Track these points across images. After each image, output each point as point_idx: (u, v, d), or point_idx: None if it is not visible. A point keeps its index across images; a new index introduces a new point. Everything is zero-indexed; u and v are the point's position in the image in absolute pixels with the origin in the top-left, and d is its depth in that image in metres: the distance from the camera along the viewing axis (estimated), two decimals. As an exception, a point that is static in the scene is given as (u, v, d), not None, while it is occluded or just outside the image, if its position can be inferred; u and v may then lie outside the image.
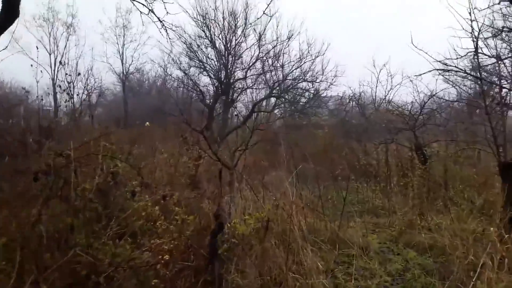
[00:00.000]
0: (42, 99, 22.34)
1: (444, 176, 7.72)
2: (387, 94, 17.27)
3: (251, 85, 17.92)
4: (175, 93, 22.46)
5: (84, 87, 25.46)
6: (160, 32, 5.84)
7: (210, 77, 17.40)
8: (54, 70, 25.14)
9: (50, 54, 24.89)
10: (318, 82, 16.82)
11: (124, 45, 25.58)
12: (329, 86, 16.79)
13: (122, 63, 25.77)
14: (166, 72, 19.57)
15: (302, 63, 16.72)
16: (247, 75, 17.51)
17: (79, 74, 20.90)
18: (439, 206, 6.77)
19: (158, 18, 5.48)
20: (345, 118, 18.95)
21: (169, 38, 6.32)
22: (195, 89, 17.56)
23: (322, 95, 17.45)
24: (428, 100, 9.48)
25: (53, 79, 25.22)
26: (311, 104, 17.66)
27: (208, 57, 17.16)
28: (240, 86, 18.08)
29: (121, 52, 25.64)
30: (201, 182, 8.26)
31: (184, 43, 16.74)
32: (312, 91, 17.06)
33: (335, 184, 8.92)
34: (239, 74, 17.77)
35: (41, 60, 25.27)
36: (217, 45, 17.32)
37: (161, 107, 20.49)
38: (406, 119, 9.60)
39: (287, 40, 17.00)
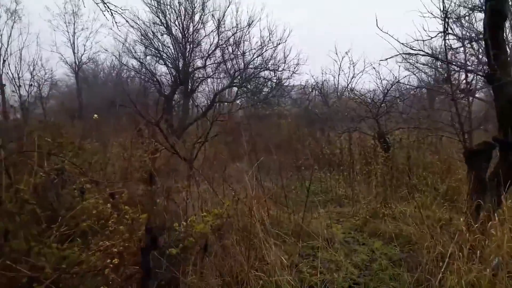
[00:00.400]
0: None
1: (407, 163, 7.69)
2: (350, 82, 17.29)
3: (211, 74, 17.39)
4: (131, 83, 21.54)
5: (32, 78, 23.94)
6: (104, 15, 5.25)
7: (167, 66, 16.69)
8: (-1, 61, 23.45)
9: (-8, 44, 23.13)
10: (280, 71, 16.57)
11: (75, 33, 24.15)
12: (291, 75, 16.58)
13: (74, 53, 24.37)
14: (120, 61, 18.61)
15: (264, 51, 16.37)
16: (207, 64, 16.98)
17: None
18: (402, 194, 6.70)
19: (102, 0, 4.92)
20: (308, 107, 18.85)
21: (116, 23, 5.74)
22: (151, 79, 16.80)
23: (284, 84, 17.21)
24: (391, 87, 9.43)
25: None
26: (274, 93, 17.37)
27: (164, 45, 16.43)
28: (199, 75, 17.50)
29: (72, 41, 24.22)
30: (158, 177, 7.78)
31: (138, 30, 15.92)
32: (274, 80, 16.78)
33: (298, 175, 8.72)
34: (198, 62, 17.20)
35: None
36: (173, 32, 16.64)
37: (117, 98, 19.54)
38: (369, 107, 9.51)
39: (247, 26, 16.57)
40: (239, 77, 16.78)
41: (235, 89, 18.78)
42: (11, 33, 23.35)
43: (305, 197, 6.51)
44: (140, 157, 7.53)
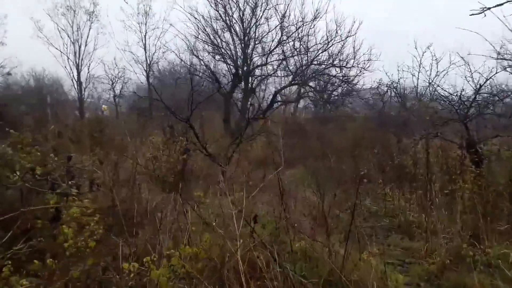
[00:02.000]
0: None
1: (508, 184, 5.56)
2: (432, 81, 14.78)
3: (272, 72, 16.03)
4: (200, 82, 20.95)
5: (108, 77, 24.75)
6: None
7: (226, 63, 15.65)
8: (78, 59, 24.56)
9: (73, 43, 24.31)
10: (348, 67, 14.66)
11: (146, 33, 24.44)
12: (360, 72, 14.57)
13: (146, 52, 24.64)
14: (180, 59, 17.98)
15: (330, 45, 14.62)
16: (268, 61, 15.66)
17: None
18: (502, 228, 4.67)
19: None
20: (382, 110, 16.60)
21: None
22: (210, 77, 15.88)
23: (353, 83, 15.22)
24: (486, 82, 7.23)
25: (77, 68, 24.64)
26: (341, 92, 15.50)
27: (224, 41, 15.40)
28: (260, 73, 16.27)
29: (144, 41, 24.51)
30: (189, 181, 6.58)
31: (196, 25, 15.12)
32: (340, 77, 14.91)
33: (358, 189, 6.96)
34: (259, 60, 16.00)
35: (65, 50, 24.75)
36: (236, 29, 15.59)
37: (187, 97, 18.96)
38: (455, 107, 7.43)
39: (312, 20, 14.94)
40: (301, 75, 15.19)
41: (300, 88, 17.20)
42: (89, 33, 24.46)
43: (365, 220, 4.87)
44: (167, 158, 6.39)
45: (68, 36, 24.17)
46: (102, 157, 6.35)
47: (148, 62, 25.02)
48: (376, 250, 3.83)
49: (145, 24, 24.44)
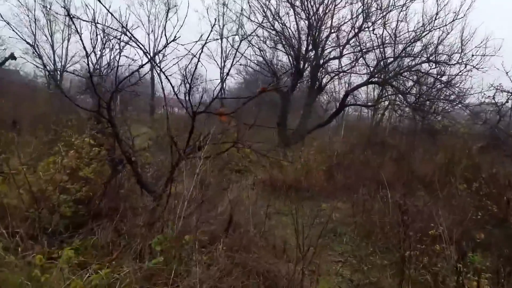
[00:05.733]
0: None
1: None
2: None
3: (349, 67, 12.66)
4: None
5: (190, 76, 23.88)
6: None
7: (288, 54, 12.69)
8: (153, 52, 23.95)
9: (148, 34, 23.86)
10: (451, 64, 10.68)
11: (224, 24, 22.88)
12: (466, 69, 10.45)
13: (221, 42, 23.27)
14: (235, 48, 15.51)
15: (427, 33, 10.82)
16: (343, 54, 12.40)
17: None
18: None
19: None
20: (496, 126, 12.18)
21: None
22: (268, 70, 13.10)
23: (456, 85, 11.06)
24: None
25: (151, 62, 24.03)
26: (436, 96, 11.48)
27: (286, 26, 12.42)
28: (331, 68, 13.06)
29: (220, 33, 22.91)
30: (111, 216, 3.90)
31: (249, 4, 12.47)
32: (436, 75, 10.97)
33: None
34: (332, 52, 12.79)
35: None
36: (305, 13, 12.59)
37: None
38: None
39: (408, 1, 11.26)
40: (382, 71, 11.60)
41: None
42: (165, 25, 23.66)
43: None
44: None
45: (143, 26, 23.80)
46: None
47: (224, 55, 23.71)
48: None
49: (223, 15, 23.01)
